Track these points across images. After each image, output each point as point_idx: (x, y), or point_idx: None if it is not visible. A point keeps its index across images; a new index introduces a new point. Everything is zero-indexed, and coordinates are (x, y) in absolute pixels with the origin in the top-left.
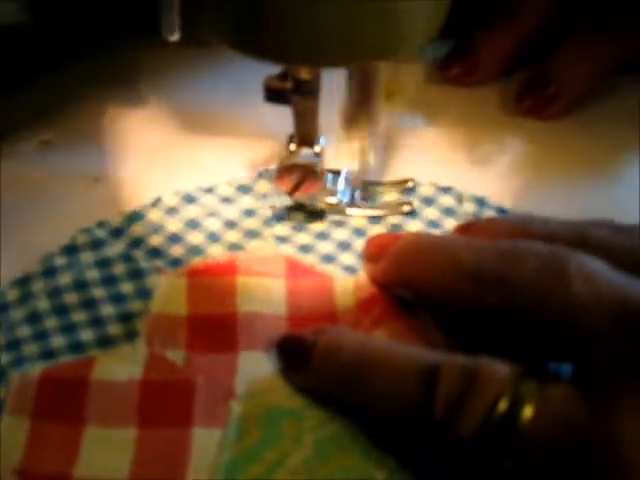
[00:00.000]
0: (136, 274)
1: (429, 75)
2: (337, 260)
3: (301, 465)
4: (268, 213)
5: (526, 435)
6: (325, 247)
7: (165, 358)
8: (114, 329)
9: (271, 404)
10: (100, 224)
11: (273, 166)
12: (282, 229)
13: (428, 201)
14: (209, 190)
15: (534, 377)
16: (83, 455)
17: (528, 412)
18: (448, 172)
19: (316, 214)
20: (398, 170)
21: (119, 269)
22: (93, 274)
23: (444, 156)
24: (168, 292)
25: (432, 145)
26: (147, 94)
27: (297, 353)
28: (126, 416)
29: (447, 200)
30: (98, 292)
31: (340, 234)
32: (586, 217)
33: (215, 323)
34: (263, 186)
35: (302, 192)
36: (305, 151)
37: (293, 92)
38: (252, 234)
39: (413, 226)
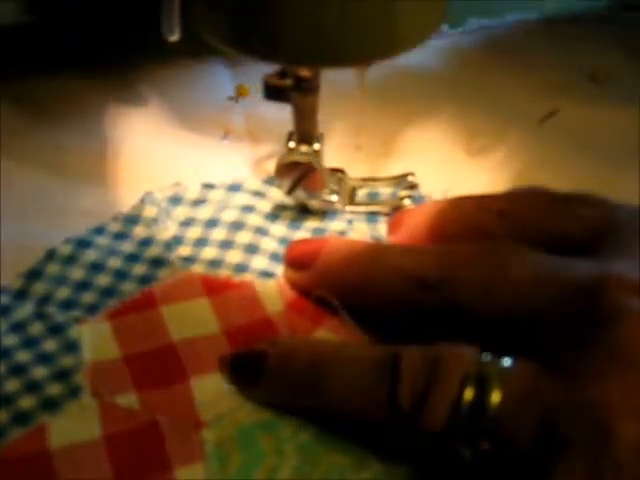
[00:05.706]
0: (55, 330)
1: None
2: (250, 267)
3: (293, 474)
4: (164, 237)
5: (496, 420)
6: (234, 257)
7: (118, 405)
8: (54, 390)
9: (241, 423)
10: None
11: (272, 164)
12: (185, 250)
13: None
14: (99, 231)
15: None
16: None
17: (496, 397)
18: (445, 165)
19: (315, 212)
20: (396, 166)
21: (36, 329)
22: (11, 340)
23: (441, 149)
24: (95, 340)
25: (430, 139)
26: (147, 94)
27: (250, 368)
28: (101, 477)
29: None
30: (23, 356)
31: (243, 237)
32: None
33: (155, 358)
34: (150, 211)
35: (301, 190)
36: (304, 148)
37: (293, 89)
38: (158, 262)
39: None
